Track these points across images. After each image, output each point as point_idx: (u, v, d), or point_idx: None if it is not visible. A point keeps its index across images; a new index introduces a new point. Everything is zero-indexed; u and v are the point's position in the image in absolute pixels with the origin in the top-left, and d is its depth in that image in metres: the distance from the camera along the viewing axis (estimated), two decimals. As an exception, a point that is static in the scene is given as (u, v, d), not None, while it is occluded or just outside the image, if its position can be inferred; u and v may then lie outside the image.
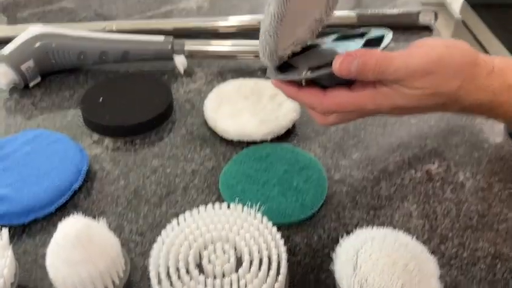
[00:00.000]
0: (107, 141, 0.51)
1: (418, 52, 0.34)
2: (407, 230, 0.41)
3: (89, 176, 0.47)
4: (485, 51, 2.02)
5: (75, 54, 0.58)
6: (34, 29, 0.58)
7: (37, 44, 0.57)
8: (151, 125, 0.52)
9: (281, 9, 0.34)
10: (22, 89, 0.58)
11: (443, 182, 0.46)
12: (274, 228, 0.36)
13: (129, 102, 0.53)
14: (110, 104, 0.53)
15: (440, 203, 0.44)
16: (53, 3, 0.79)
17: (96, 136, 0.52)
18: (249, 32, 0.69)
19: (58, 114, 0.55)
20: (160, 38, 0.60)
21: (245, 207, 0.37)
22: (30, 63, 0.56)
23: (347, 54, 0.34)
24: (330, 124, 0.40)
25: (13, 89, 0.58)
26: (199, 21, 0.69)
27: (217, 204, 0.37)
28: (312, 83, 0.37)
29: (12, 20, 0.73)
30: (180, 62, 0.59)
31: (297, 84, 0.38)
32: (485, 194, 0.45)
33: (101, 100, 0.53)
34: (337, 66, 0.34)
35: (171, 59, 0.60)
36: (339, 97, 0.36)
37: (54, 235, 0.34)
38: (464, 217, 0.43)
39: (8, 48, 0.56)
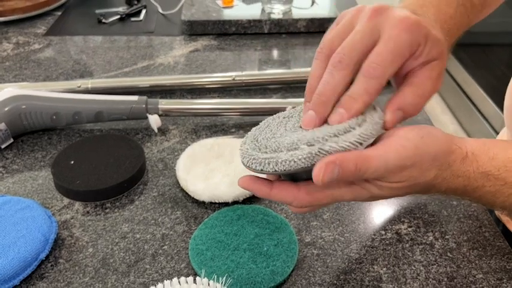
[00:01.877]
0: (77, 205, 0.51)
1: (395, 146, 0.33)
2: (377, 296, 0.41)
3: (57, 243, 0.46)
4: (463, 91, 2.08)
5: (48, 116, 0.58)
6: (7, 91, 0.58)
7: (8, 107, 0.57)
8: (122, 188, 0.52)
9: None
10: (-6, 150, 0.58)
11: (412, 243, 0.46)
12: (240, 304, 0.35)
13: (101, 164, 0.53)
14: (81, 167, 0.53)
15: (410, 265, 0.44)
16: (30, 57, 0.79)
17: (66, 200, 0.51)
18: (225, 89, 0.71)
19: (29, 178, 0.54)
20: (134, 97, 0.61)
21: (211, 281, 0.37)
22: (1, 126, 0.56)
23: (327, 163, 0.32)
24: (304, 212, 0.40)
25: (-16, 151, 0.58)
26: (175, 78, 0.70)
27: (182, 278, 0.37)
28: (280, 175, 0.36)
29: (-11, 77, 0.74)
30: (154, 121, 0.60)
31: (266, 180, 0.36)
32: (454, 254, 0.45)
33: (72, 163, 0.53)
34: (320, 179, 0.32)
35: (145, 118, 0.61)
36: (316, 193, 0.35)
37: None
38: (433, 280, 0.43)
39: (-20, 111, 0.56)
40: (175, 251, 0.46)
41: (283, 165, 0.33)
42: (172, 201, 0.51)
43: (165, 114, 0.62)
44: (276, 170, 0.33)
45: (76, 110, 0.59)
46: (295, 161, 0.32)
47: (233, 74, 0.71)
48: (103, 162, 0.54)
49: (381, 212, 0.50)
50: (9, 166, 0.56)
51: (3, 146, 0.58)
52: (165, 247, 0.46)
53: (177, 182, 0.53)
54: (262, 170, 0.34)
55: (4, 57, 0.80)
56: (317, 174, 0.31)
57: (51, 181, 0.54)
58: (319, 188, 0.35)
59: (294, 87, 0.71)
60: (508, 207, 0.38)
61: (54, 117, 0.59)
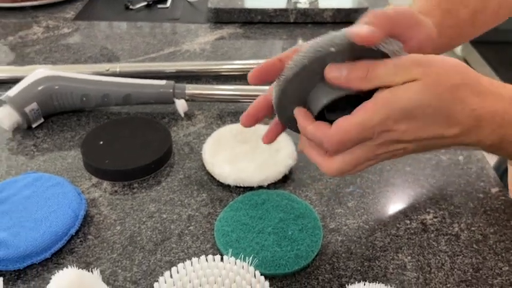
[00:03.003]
0: (106, 184, 0.52)
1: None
2: (401, 284, 0.41)
3: (86, 220, 0.48)
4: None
5: (78, 97, 0.60)
6: (39, 72, 0.60)
7: (41, 87, 0.58)
8: (149, 169, 0.53)
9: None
10: (25, 130, 0.59)
11: (438, 233, 0.46)
12: (267, 283, 0.36)
13: (129, 146, 0.54)
14: (110, 147, 0.54)
15: (435, 255, 0.44)
16: (59, 41, 0.81)
17: (95, 179, 0.52)
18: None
19: (59, 156, 0.56)
20: (162, 82, 0.61)
21: (238, 260, 0.37)
22: (34, 106, 0.58)
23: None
24: (335, 169, 0.37)
25: (16, 130, 0.59)
26: (201, 64, 0.71)
27: (210, 256, 0.37)
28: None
29: (20, 59, 0.75)
30: (181, 105, 0.61)
31: (311, 116, 0.37)
32: (480, 246, 0.45)
33: (101, 143, 0.54)
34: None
35: (172, 102, 0.61)
36: (341, 121, 0.34)
37: (46, 287, 0.34)
38: (458, 271, 0.43)
39: (14, 91, 0.58)
40: (200, 231, 0.46)
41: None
42: (198, 184, 0.52)
43: (191, 100, 0.63)
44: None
45: (105, 92, 0.60)
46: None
47: (258, 61, 0.71)
48: (131, 143, 0.55)
49: (405, 202, 0.50)
50: (39, 145, 0.58)
51: (34, 126, 0.60)
52: (191, 227, 0.47)
53: (203, 165, 0.54)
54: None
55: (34, 40, 0.81)
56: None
57: (80, 160, 0.55)
58: (345, 117, 0.34)
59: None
60: None
61: (84, 98, 0.60)
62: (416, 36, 0.39)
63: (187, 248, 0.45)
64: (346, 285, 0.39)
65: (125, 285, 0.42)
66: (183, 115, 0.62)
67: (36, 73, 0.59)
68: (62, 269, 0.36)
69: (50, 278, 0.40)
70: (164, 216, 0.48)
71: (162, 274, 0.36)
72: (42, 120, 0.60)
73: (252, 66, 0.70)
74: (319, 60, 0.35)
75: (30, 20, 0.88)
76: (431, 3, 0.48)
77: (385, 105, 0.33)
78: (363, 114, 0.34)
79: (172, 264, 0.43)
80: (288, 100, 0.38)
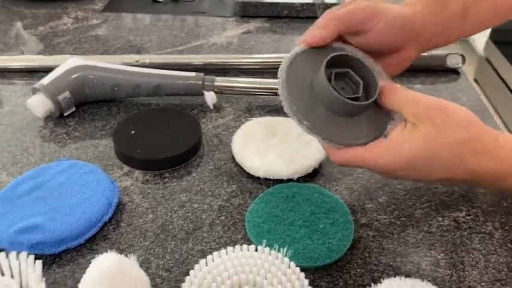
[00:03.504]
0: (137, 173, 0.52)
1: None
2: (434, 280, 0.41)
3: (119, 208, 0.48)
4: (508, 88, 2.00)
5: (109, 87, 0.60)
6: (72, 61, 0.60)
7: (74, 76, 0.59)
8: (180, 159, 0.53)
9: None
10: (57, 118, 0.60)
11: (471, 231, 0.46)
12: (302, 274, 0.36)
13: (159, 136, 0.55)
14: (141, 137, 0.54)
15: (468, 253, 0.44)
16: (88, 32, 0.82)
17: (126, 168, 0.53)
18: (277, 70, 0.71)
19: (90, 145, 0.56)
20: (192, 74, 0.62)
21: (272, 251, 0.37)
22: (66, 94, 0.58)
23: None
24: (341, 162, 0.42)
25: (48, 118, 0.60)
26: (228, 57, 0.71)
27: (244, 246, 0.37)
28: None
29: (50, 49, 0.76)
30: (210, 97, 0.61)
31: None
32: (514, 245, 0.44)
33: (132, 133, 0.55)
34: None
35: (201, 94, 0.62)
36: (351, 150, 0.40)
37: (87, 270, 0.35)
38: (492, 269, 0.42)
39: (47, 79, 0.58)
40: (231, 222, 0.47)
41: None
42: (227, 175, 0.52)
43: (220, 92, 0.63)
44: None
45: (136, 82, 0.60)
46: None
47: (284, 55, 0.71)
48: (162, 134, 0.55)
49: (438, 199, 0.49)
50: (71, 133, 0.58)
51: (66, 114, 0.60)
52: (222, 217, 0.47)
53: (232, 157, 0.54)
54: None
55: (64, 30, 0.82)
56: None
57: (111, 149, 0.55)
58: (356, 149, 0.40)
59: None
60: None
61: (116, 88, 0.60)
62: (375, 27, 0.42)
63: (218, 238, 0.45)
64: (381, 279, 0.39)
65: (158, 272, 0.42)
66: (212, 107, 0.62)
67: (68, 62, 0.60)
68: (97, 255, 0.37)
69: (85, 264, 0.41)
70: (195, 206, 0.48)
71: (195, 262, 0.37)
72: (74, 109, 0.61)
73: (278, 60, 0.70)
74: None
75: (60, 11, 0.89)
76: None
77: (394, 152, 0.38)
78: (371, 154, 0.39)
79: (204, 253, 0.43)
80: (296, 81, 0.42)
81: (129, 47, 0.78)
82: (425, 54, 0.71)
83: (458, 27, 0.48)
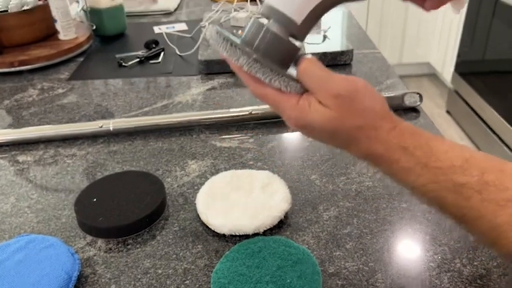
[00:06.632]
0: (100, 242, 0.51)
1: (341, 76, 0.38)
2: (406, 327, 0.40)
3: (80, 281, 0.47)
4: (480, 117, 2.05)
5: (71, 155, 0.60)
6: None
7: (35, 148, 0.59)
8: (144, 223, 0.52)
9: None
10: (19, 191, 0.59)
11: (439, 271, 0.45)
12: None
13: (123, 201, 0.54)
14: (104, 204, 0.54)
15: (439, 294, 0.43)
16: (54, 102, 0.83)
17: (89, 238, 0.52)
18: (243, 123, 0.72)
19: (53, 216, 0.55)
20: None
21: (234, 313, 0.36)
22: (27, 167, 0.58)
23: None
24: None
25: (10, 191, 0.59)
26: (193, 115, 0.72)
27: (205, 311, 0.36)
28: None
29: (15, 122, 0.77)
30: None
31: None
32: (484, 281, 0.44)
33: (94, 200, 0.54)
34: None
35: (165, 154, 0.62)
36: (271, 91, 0.40)
37: None
38: (464, 309, 0.41)
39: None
40: (197, 285, 0.45)
41: None
42: (193, 235, 0.51)
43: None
44: None
45: (98, 149, 0.60)
46: None
47: (250, 108, 0.72)
48: (125, 198, 0.54)
49: (404, 240, 0.49)
50: (33, 206, 0.57)
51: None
52: (187, 282, 0.46)
53: (198, 215, 0.54)
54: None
55: (30, 102, 0.83)
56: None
57: (74, 219, 0.54)
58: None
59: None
60: (417, 190, 0.37)
61: (77, 156, 0.60)
62: None
63: (183, 304, 0.44)
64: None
65: None
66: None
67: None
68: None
69: None
70: (159, 271, 0.47)
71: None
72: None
73: (245, 113, 0.72)
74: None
75: (25, 83, 0.90)
76: None
77: (301, 113, 0.39)
78: (282, 101, 0.40)
79: (168, 322, 0.42)
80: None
81: (95, 113, 0.78)
82: (384, 95, 0.73)
83: None
